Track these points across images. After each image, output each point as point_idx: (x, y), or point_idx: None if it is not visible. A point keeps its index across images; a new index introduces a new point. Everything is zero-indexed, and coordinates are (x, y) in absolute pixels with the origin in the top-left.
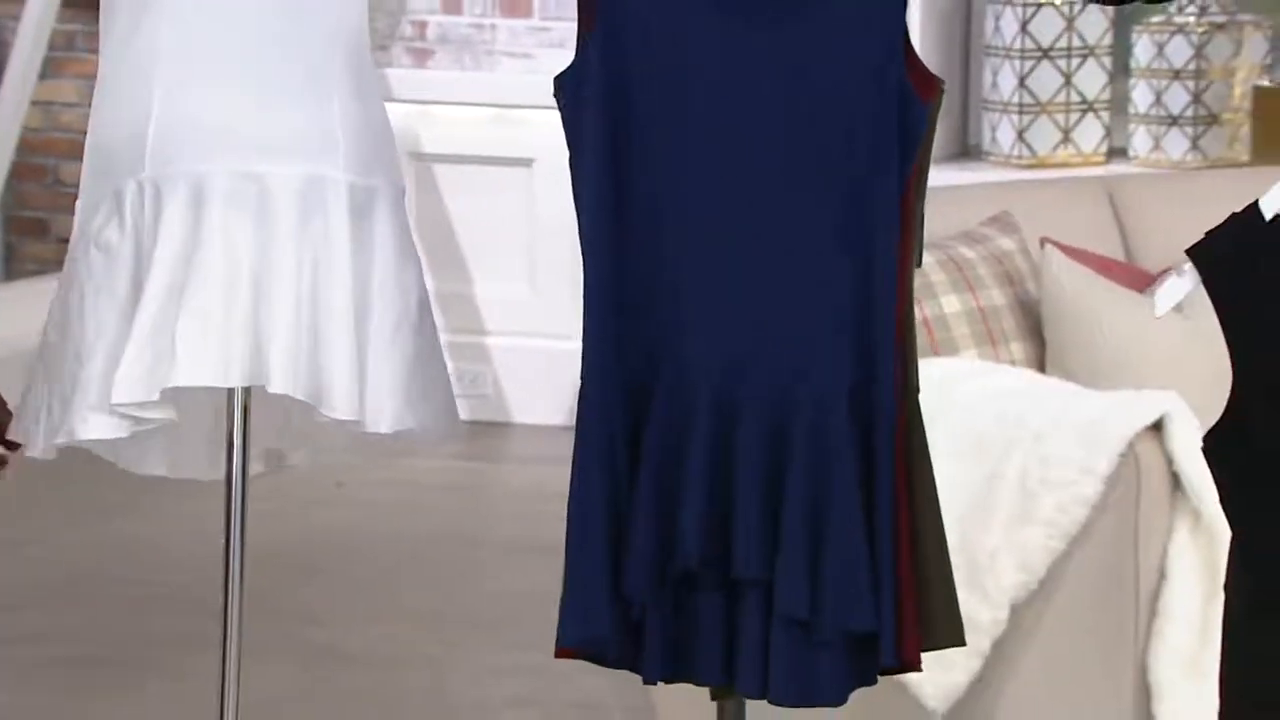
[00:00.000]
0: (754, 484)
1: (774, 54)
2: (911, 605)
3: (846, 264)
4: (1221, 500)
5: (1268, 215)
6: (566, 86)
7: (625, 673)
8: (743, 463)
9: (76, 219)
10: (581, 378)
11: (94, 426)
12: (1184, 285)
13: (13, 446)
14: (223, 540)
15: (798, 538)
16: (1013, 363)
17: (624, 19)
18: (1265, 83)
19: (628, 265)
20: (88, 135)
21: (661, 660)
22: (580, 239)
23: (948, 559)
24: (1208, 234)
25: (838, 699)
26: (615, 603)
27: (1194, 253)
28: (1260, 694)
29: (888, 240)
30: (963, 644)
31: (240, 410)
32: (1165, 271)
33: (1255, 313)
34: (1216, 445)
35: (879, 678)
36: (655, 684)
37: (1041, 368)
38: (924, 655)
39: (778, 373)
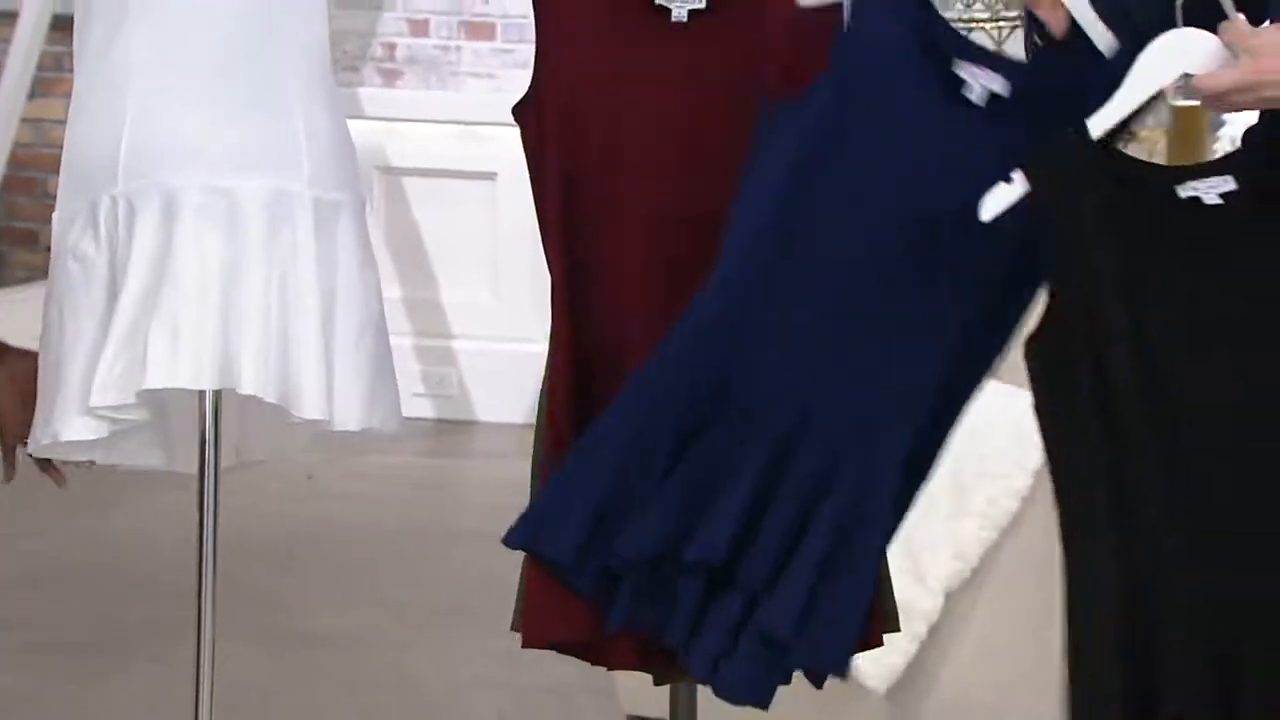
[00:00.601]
0: (788, 510)
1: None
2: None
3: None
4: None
5: (1094, 135)
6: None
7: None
8: (785, 493)
9: (54, 231)
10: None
11: (75, 428)
12: (1013, 193)
13: (44, 465)
14: (196, 532)
15: (808, 570)
16: None
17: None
18: (1178, 101)
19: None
20: (64, 151)
21: (628, 614)
22: None
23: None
24: (1040, 149)
25: (765, 701)
26: (585, 597)
27: (1025, 167)
28: (1077, 616)
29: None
30: (898, 630)
31: (211, 410)
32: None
33: (1074, 227)
34: (1033, 353)
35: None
36: (616, 631)
37: None
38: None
39: (845, 418)
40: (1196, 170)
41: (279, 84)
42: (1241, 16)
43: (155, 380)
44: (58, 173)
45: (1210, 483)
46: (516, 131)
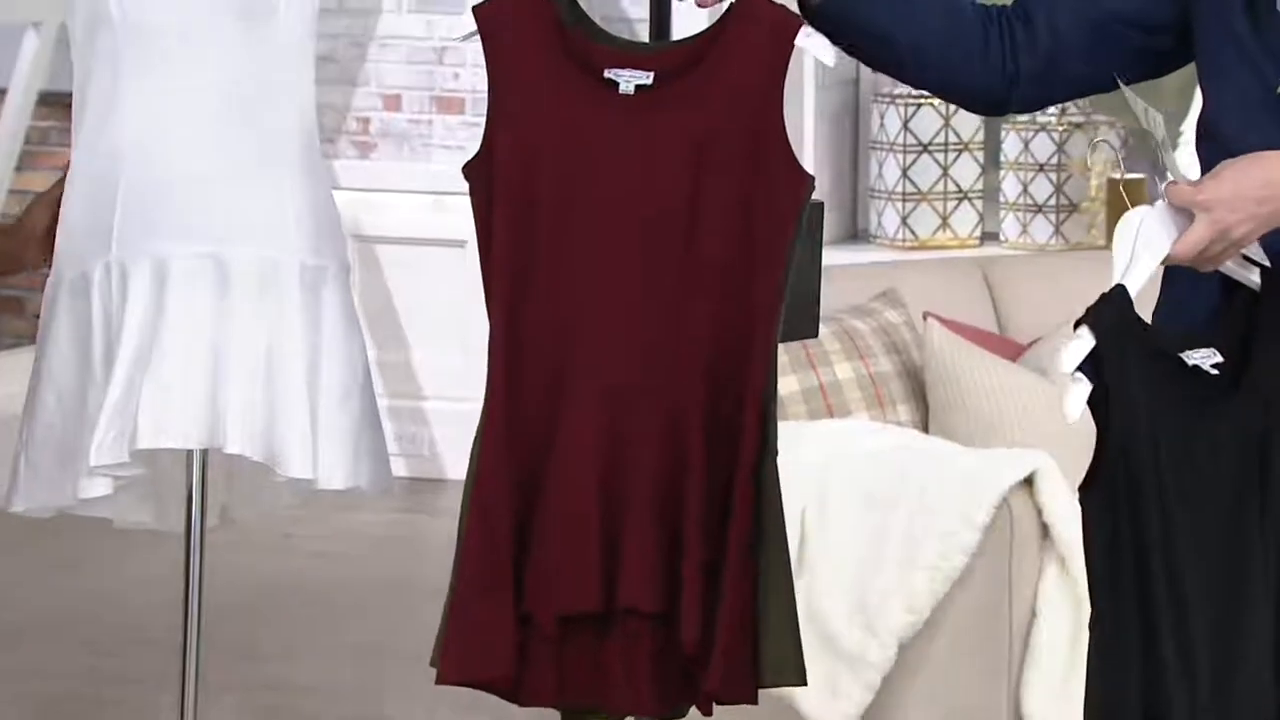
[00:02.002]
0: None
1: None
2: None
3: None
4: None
5: (1133, 293)
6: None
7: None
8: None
9: (46, 297)
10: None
11: (84, 487)
12: (1084, 347)
13: None
14: (182, 586)
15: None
16: (899, 424)
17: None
18: (1117, 175)
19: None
20: (59, 220)
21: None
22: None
23: (792, 602)
24: (1098, 305)
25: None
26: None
27: (1089, 321)
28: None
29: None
30: (804, 684)
31: (199, 469)
32: (1037, 342)
33: (1119, 382)
34: (1086, 497)
35: (759, 704)
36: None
37: (925, 428)
38: (809, 686)
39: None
40: (1188, 340)
41: (268, 155)
42: (1183, 175)
43: (147, 440)
44: None
45: (1206, 628)
46: None
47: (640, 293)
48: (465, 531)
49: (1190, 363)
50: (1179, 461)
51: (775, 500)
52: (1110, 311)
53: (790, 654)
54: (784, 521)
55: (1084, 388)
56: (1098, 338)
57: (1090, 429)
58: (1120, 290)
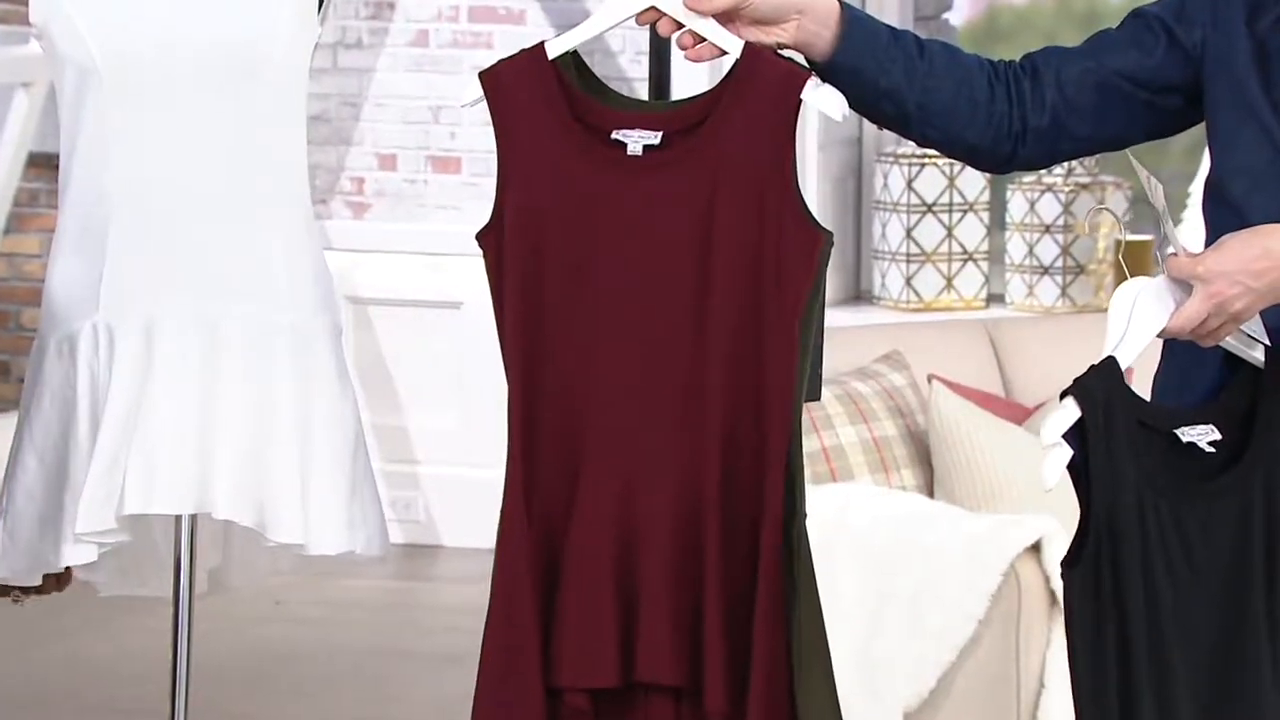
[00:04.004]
0: None
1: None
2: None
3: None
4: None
5: (1125, 365)
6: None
7: None
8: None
9: (31, 360)
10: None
11: (67, 555)
12: (1069, 417)
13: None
14: (169, 655)
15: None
16: (903, 488)
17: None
18: (1126, 237)
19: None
20: (46, 280)
21: None
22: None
23: (829, 665)
24: (1086, 374)
25: None
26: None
27: (1074, 390)
28: None
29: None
30: None
31: (187, 535)
32: (1043, 406)
33: (1106, 455)
34: (1068, 576)
35: None
36: None
37: (930, 492)
38: None
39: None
40: (1183, 417)
41: (258, 213)
42: (1184, 246)
43: (134, 506)
44: (31, 305)
45: (1195, 716)
46: (481, 262)
47: (652, 359)
48: (489, 610)
49: (1185, 439)
50: (1168, 538)
51: (807, 559)
52: (1098, 383)
53: (830, 716)
54: (816, 582)
55: (1063, 453)
56: (1083, 409)
57: None
58: (1110, 362)
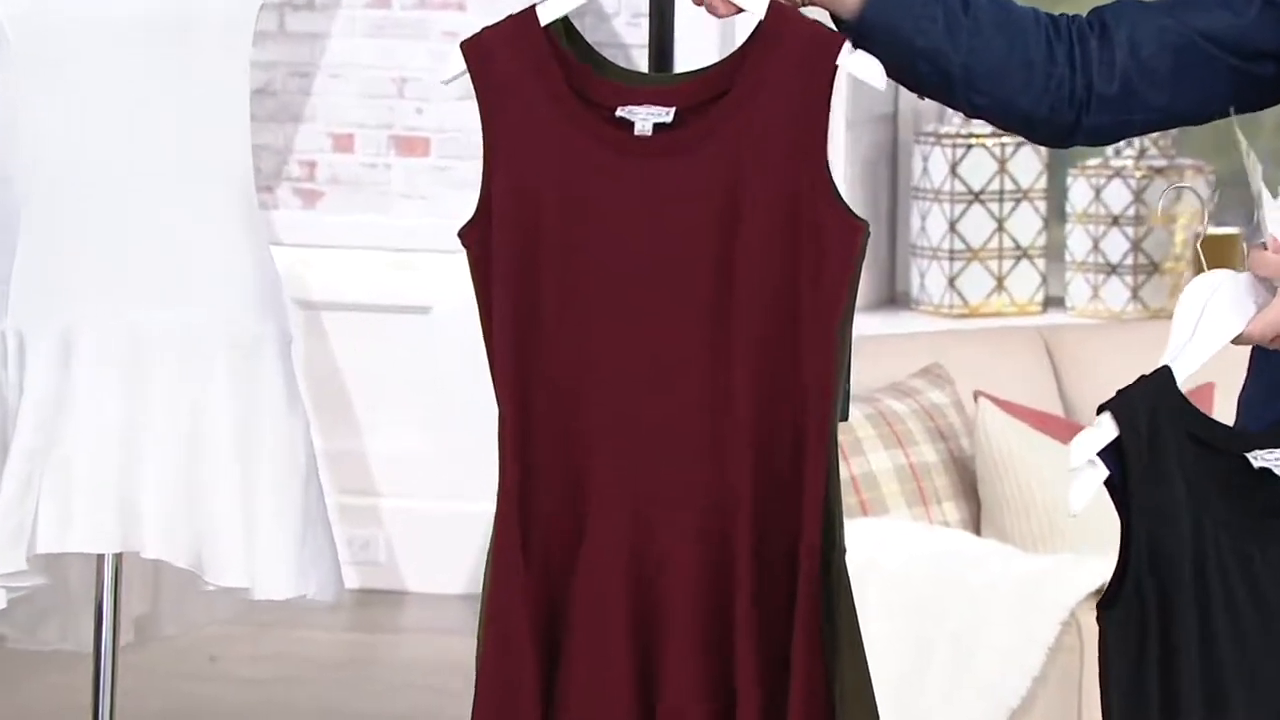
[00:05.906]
0: None
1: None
2: None
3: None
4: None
5: (1180, 380)
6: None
7: None
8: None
9: None
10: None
11: None
12: (1104, 436)
13: None
14: (90, 717)
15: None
16: (945, 524)
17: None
18: (1208, 230)
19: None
20: None
21: None
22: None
23: (875, 710)
24: (1127, 390)
25: None
26: None
27: (1112, 407)
28: None
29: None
30: None
31: (110, 577)
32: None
33: (1154, 481)
34: (1104, 615)
35: None
36: None
37: (976, 528)
38: None
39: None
40: (1264, 439)
41: (191, 203)
42: (1276, 238)
43: (49, 543)
44: None
45: None
46: (453, 260)
47: (668, 372)
48: (481, 661)
49: (1258, 464)
50: (1230, 576)
51: (848, 598)
52: (1143, 396)
53: None
54: (858, 624)
55: (1097, 473)
56: (1121, 427)
57: None
58: (1163, 372)
